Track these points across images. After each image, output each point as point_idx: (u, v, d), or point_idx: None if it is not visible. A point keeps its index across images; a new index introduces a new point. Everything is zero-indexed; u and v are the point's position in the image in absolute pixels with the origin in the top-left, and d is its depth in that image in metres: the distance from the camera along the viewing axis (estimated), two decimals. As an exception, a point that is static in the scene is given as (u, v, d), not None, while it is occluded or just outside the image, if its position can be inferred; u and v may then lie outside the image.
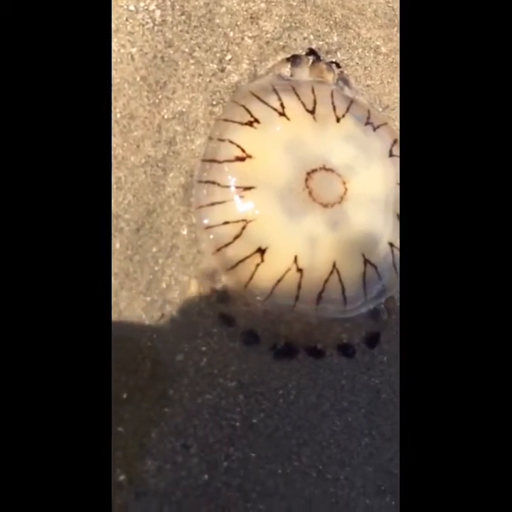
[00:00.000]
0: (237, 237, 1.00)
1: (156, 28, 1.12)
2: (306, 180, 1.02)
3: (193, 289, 1.04)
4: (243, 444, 0.95)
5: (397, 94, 1.27)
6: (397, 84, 1.28)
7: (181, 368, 1.00)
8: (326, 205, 1.02)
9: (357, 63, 1.27)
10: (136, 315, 1.01)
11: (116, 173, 1.04)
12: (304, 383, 1.02)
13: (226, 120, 1.06)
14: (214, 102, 1.12)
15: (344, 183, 1.04)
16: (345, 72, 1.25)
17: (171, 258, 1.05)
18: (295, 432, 0.99)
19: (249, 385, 1.00)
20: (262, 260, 0.99)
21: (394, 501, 1.01)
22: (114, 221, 1.01)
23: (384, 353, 1.11)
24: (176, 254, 1.06)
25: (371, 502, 0.99)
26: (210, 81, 1.13)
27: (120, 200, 1.03)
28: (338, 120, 1.08)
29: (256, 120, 1.04)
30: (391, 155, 1.11)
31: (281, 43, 1.21)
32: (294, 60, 1.18)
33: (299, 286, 1.01)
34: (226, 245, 1.00)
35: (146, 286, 1.02)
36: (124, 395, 0.95)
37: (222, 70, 1.15)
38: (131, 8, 1.11)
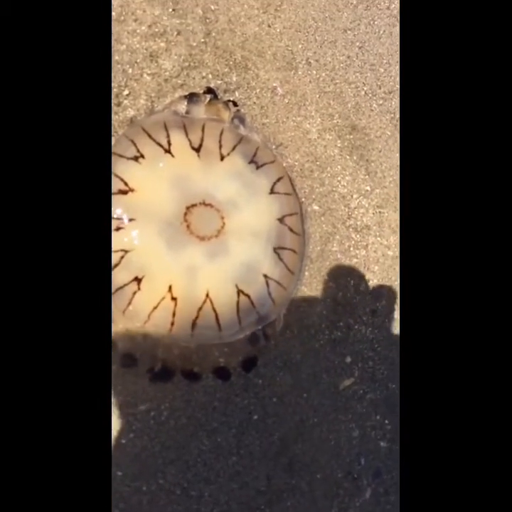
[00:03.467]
0: (116, 265, 1.06)
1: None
2: (185, 214, 1.09)
3: (76, 312, 1.09)
4: (110, 463, 1.01)
5: (291, 133, 1.37)
6: (292, 123, 1.38)
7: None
8: (202, 239, 1.09)
9: (254, 102, 1.35)
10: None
11: None
12: (177, 405, 1.09)
13: (114, 153, 1.12)
14: (107, 135, 1.18)
15: (222, 217, 1.12)
16: (242, 110, 1.34)
17: (55, 283, 1.10)
18: (163, 452, 1.05)
19: (121, 406, 1.05)
20: (139, 288, 1.06)
21: (256, 517, 1.08)
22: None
23: (260, 376, 1.19)
24: (61, 278, 1.11)
25: (233, 518, 1.06)
26: (104, 115, 1.19)
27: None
28: (222, 158, 1.16)
29: (142, 155, 1.10)
30: (272, 192, 1.20)
31: (179, 81, 1.28)
32: (190, 97, 1.26)
33: (174, 314, 1.07)
34: (106, 273, 1.06)
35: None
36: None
37: (118, 105, 1.21)
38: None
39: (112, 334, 1.09)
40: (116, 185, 1.08)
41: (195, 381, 1.12)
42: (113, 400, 1.05)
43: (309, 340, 1.28)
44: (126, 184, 1.08)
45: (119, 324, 1.09)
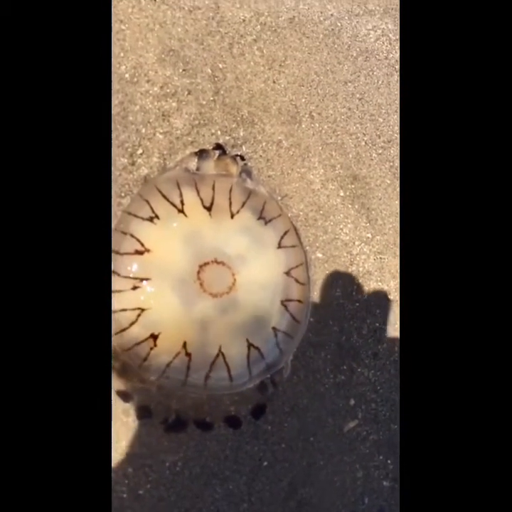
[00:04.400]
0: (132, 323, 1.11)
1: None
2: (198, 272, 1.15)
3: (94, 366, 1.15)
4: (128, 514, 1.06)
5: (295, 184, 1.43)
6: (296, 175, 1.44)
7: (77, 441, 1.09)
8: (215, 296, 1.15)
9: (260, 156, 1.42)
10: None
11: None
12: (190, 455, 1.14)
13: (130, 213, 1.18)
14: (122, 194, 1.24)
15: (233, 274, 1.18)
16: (249, 164, 1.40)
17: (74, 337, 1.15)
18: (178, 502, 1.10)
19: (138, 457, 1.10)
20: (155, 345, 1.11)
21: (266, 561, 1.13)
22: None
23: (268, 423, 1.24)
24: (80, 333, 1.16)
25: None
26: (119, 174, 1.25)
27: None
28: (232, 216, 1.22)
29: (156, 216, 1.16)
30: (280, 246, 1.26)
31: (190, 139, 1.34)
32: (200, 154, 1.32)
33: (188, 368, 1.13)
34: (123, 330, 1.12)
35: (49, 364, 1.12)
36: None
37: (133, 164, 1.27)
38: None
39: (129, 388, 1.14)
40: (132, 245, 1.14)
41: (208, 430, 1.17)
42: (130, 451, 1.10)
43: (315, 385, 1.34)
44: (142, 245, 1.13)
45: (135, 378, 1.15)
